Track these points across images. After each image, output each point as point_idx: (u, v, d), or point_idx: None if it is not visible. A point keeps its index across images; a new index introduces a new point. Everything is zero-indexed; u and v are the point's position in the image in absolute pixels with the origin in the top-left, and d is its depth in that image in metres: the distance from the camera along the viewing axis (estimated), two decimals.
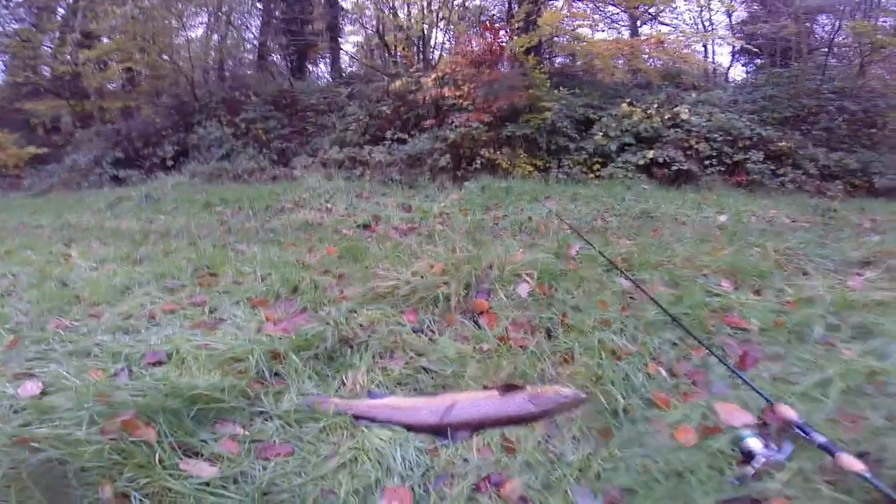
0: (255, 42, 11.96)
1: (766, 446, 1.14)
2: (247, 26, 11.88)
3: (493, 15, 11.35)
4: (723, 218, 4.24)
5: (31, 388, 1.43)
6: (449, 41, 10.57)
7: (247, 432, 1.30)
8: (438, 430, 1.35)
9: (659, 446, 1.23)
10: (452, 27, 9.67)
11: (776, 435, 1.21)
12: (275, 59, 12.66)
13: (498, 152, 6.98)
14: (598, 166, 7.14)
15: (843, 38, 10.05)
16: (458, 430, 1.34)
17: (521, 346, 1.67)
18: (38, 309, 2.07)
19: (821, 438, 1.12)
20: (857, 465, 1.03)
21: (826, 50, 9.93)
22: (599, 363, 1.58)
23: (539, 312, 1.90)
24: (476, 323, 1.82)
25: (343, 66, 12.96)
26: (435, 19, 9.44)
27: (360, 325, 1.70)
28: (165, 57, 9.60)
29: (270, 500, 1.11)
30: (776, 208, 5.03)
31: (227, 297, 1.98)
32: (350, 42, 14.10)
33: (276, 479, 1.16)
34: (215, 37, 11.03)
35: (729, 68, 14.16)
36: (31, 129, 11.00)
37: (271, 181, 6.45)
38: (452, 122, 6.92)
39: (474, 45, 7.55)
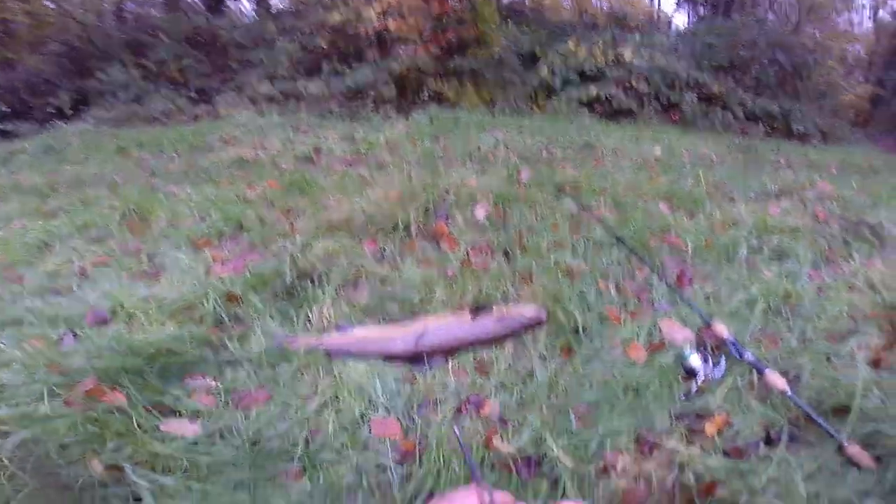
0: None
1: (705, 363, 1.25)
2: None
3: None
4: (658, 151, 4.48)
5: None
6: None
7: (219, 383, 1.24)
8: (413, 358, 1.36)
9: (615, 362, 1.32)
10: None
11: (712, 351, 1.33)
12: None
13: (445, 84, 6.81)
14: (542, 100, 7.29)
15: None
16: (433, 356, 1.37)
17: (483, 269, 1.70)
18: None
19: (750, 356, 1.23)
20: (780, 383, 1.14)
21: (767, 4, 10.26)
22: (557, 283, 1.64)
23: (497, 235, 1.94)
24: (438, 248, 1.81)
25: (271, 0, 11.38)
26: None
27: (318, 258, 1.63)
28: (49, 4, 7.98)
29: (261, 448, 1.10)
30: (705, 145, 5.39)
31: (165, 242, 1.82)
32: None
33: (262, 428, 1.14)
34: None
35: (672, 16, 14.27)
36: None
37: (193, 121, 5.77)
38: (398, 54, 6.50)
39: None
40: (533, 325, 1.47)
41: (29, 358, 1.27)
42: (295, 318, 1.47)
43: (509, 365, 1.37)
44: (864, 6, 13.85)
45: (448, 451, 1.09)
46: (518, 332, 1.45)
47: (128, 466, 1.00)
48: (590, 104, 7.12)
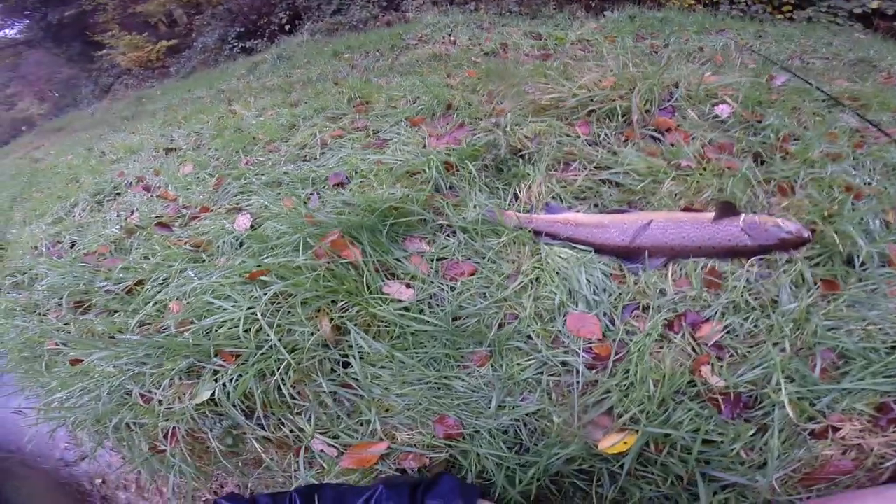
0: None
1: None
2: None
3: None
4: None
5: (243, 221, 1.60)
6: None
7: (432, 249, 1.31)
8: (628, 254, 1.23)
9: (889, 313, 1.02)
10: None
11: None
12: None
13: None
14: (789, 7, 5.50)
15: None
16: (652, 254, 1.21)
17: (728, 167, 1.41)
18: (227, 153, 2.31)
19: None
20: None
21: None
22: (831, 198, 1.28)
23: (745, 136, 1.57)
24: (663, 140, 1.56)
25: None
26: None
27: (526, 137, 1.56)
28: None
29: (460, 325, 1.14)
30: None
31: (386, 120, 1.99)
32: None
33: (463, 303, 1.17)
34: None
35: None
36: (154, 27, 11.86)
37: (387, 26, 6.17)
38: None
39: None
40: (791, 244, 1.18)
41: (290, 212, 1.51)
42: (501, 193, 1.47)
43: (748, 283, 1.14)
44: None
45: (645, 369, 0.98)
46: (769, 248, 1.18)
47: (350, 326, 1.11)
48: (866, 17, 5.18)
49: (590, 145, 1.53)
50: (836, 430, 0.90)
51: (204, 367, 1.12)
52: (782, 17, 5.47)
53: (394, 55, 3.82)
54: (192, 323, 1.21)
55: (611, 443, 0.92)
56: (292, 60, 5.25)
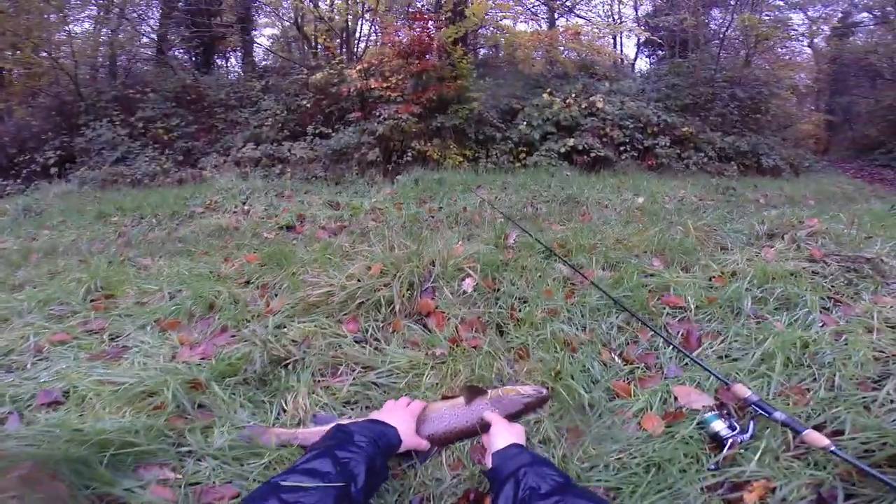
0: (154, 35, 10.63)
1: (730, 427, 1.15)
2: (143, 18, 10.50)
3: (422, 5, 11.17)
4: (640, 200, 4.53)
5: None
6: (375, 32, 10.27)
7: (179, 476, 1.10)
8: (402, 451, 1.22)
9: (630, 438, 1.20)
10: (379, 18, 9.29)
11: (736, 414, 1.23)
12: (176, 53, 11.42)
13: (429, 144, 6.92)
14: (523, 155, 7.49)
15: (733, 32, 11.32)
16: None
17: (474, 347, 1.59)
18: None
19: (782, 416, 1.11)
20: (823, 441, 1.03)
21: (718, 41, 11.05)
22: (555, 356, 1.53)
23: (487, 308, 1.83)
24: (424, 325, 1.72)
25: (257, 59, 12.09)
26: (360, 10, 9.05)
27: (293, 342, 1.53)
28: (43, 53, 8.18)
29: None
30: (684, 189, 5.48)
31: (130, 322, 1.70)
32: (265, 35, 13.23)
33: None
34: (105, 31, 9.71)
35: (635, 59, 15.56)
36: None
37: (177, 184, 5.74)
38: (380, 114, 6.70)
39: (402, 35, 7.33)
40: (535, 405, 1.35)
41: None
42: (267, 407, 1.34)
43: None
44: (803, 35, 14.37)
45: None
46: (517, 416, 1.33)
47: None
48: (568, 155, 7.34)
49: (357, 343, 1.57)
50: None
51: None
52: (520, 164, 7.27)
53: (173, 225, 3.51)
54: None
55: None
56: (43, 217, 4.31)
